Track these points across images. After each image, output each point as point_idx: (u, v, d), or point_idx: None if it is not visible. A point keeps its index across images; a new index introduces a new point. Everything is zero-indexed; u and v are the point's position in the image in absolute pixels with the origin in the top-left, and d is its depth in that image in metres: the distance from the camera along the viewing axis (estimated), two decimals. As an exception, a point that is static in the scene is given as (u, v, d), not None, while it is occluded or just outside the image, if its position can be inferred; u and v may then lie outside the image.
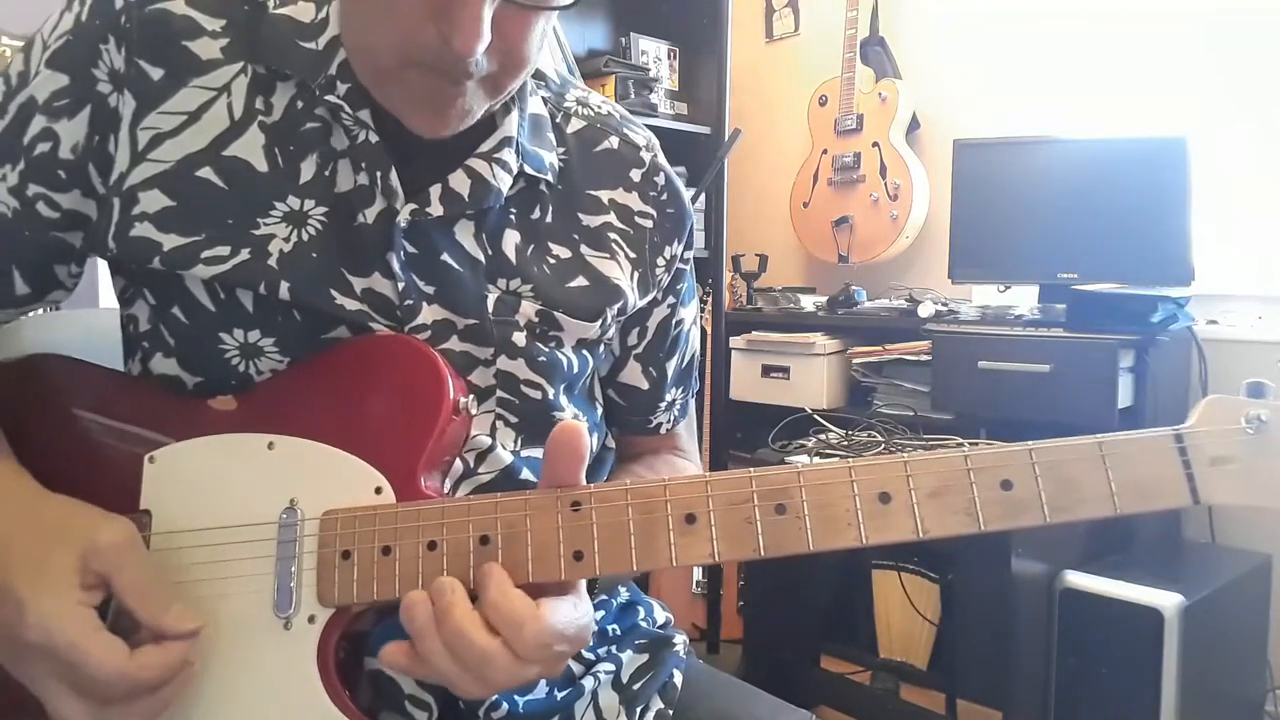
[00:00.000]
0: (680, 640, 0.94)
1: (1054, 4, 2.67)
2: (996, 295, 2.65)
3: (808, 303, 2.88)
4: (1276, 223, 2.33)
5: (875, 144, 2.88)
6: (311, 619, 0.67)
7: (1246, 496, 0.60)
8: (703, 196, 2.87)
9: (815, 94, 3.03)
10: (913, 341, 2.46)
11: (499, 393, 0.80)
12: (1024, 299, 2.50)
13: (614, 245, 0.87)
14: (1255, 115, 2.34)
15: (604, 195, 0.88)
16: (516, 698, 0.81)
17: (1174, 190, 2.20)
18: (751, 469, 0.64)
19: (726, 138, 2.60)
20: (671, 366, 0.97)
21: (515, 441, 0.81)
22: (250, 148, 0.75)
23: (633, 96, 3.24)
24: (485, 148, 0.78)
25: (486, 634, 0.62)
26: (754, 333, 2.85)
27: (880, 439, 2.20)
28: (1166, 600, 1.80)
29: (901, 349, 2.50)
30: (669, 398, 0.98)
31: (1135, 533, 2.11)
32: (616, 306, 0.85)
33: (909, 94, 2.88)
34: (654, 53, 3.46)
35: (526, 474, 0.80)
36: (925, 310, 2.51)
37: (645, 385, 0.95)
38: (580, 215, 0.86)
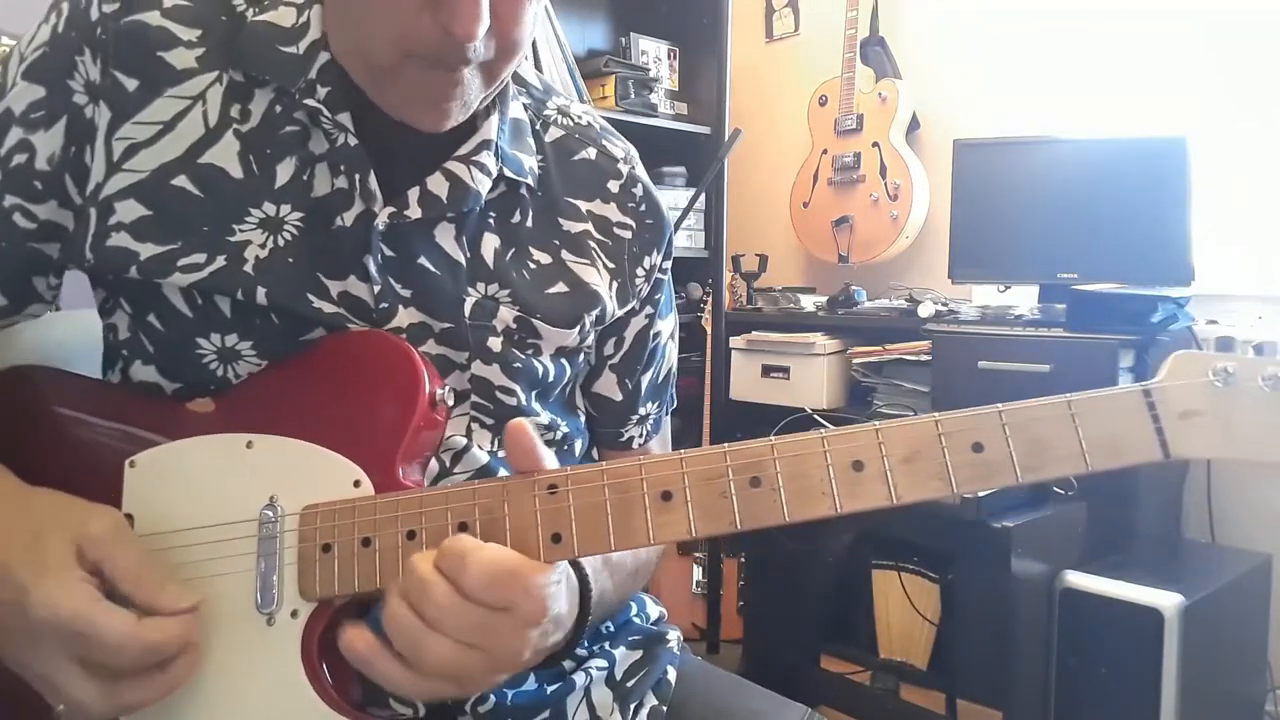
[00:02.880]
0: (674, 636, 0.94)
1: (1054, 4, 2.66)
2: (996, 295, 2.65)
3: (808, 303, 2.88)
4: (1276, 223, 2.32)
5: (875, 144, 2.88)
6: (294, 614, 0.68)
7: (1216, 449, 0.60)
8: (703, 196, 2.87)
9: (815, 94, 3.03)
10: (913, 341, 2.45)
11: (474, 397, 0.80)
12: (1024, 299, 2.49)
13: (593, 254, 0.87)
14: (1255, 115, 2.33)
15: (582, 206, 0.87)
16: (505, 689, 0.80)
17: (1174, 190, 2.20)
18: (726, 444, 0.64)
19: (726, 138, 2.61)
20: (647, 380, 0.96)
21: (492, 442, 0.81)
22: (225, 155, 0.75)
23: (633, 96, 3.23)
24: (463, 150, 0.78)
25: (431, 567, 0.61)
26: (754, 333, 2.84)
27: (879, 439, 2.19)
28: (1166, 600, 1.79)
29: (901, 349, 2.50)
30: (642, 411, 0.96)
31: (1135, 533, 2.10)
32: (595, 313, 0.85)
33: (909, 94, 2.88)
34: (654, 53, 3.46)
35: (504, 473, 0.80)
36: (925, 310, 2.51)
37: (619, 397, 0.94)
38: (560, 221, 0.86)
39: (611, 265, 0.88)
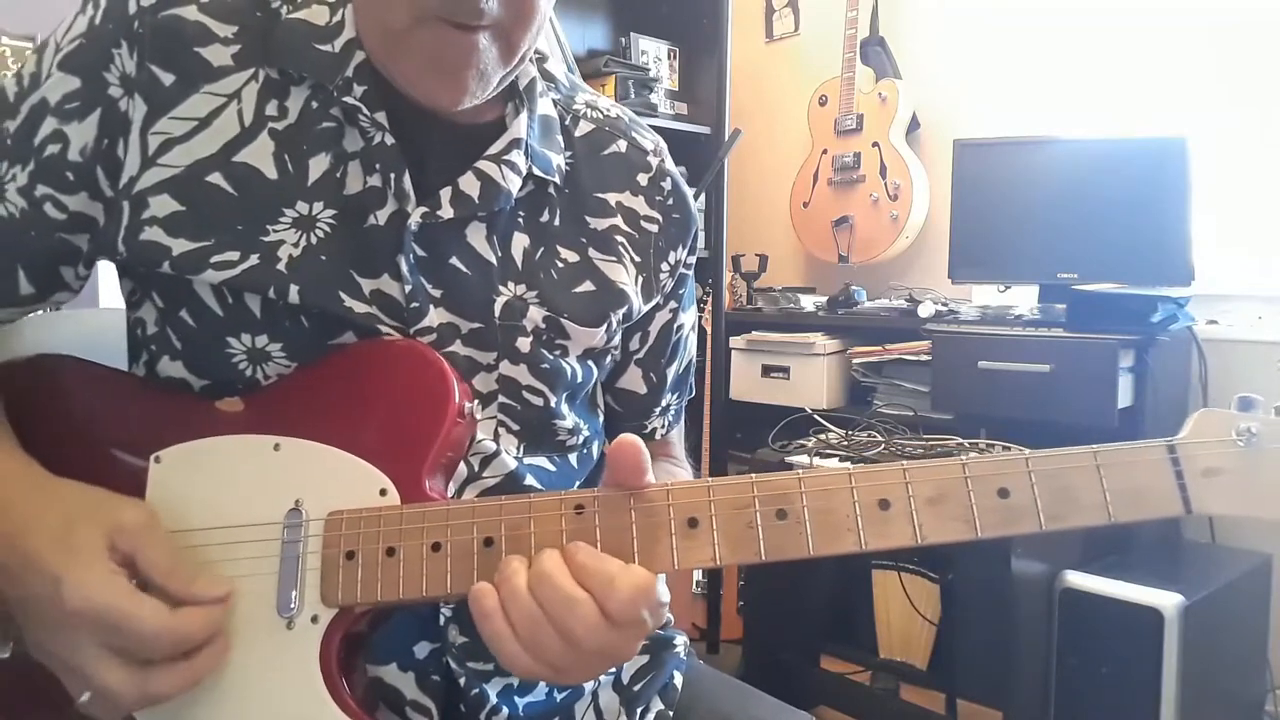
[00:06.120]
0: (681, 641, 0.94)
1: (1054, 4, 2.67)
2: (996, 295, 2.65)
3: (808, 303, 2.89)
4: (1276, 223, 2.33)
5: (875, 144, 2.88)
6: (314, 619, 0.68)
7: (1237, 506, 0.62)
8: (703, 196, 2.87)
9: (815, 94, 3.03)
10: (913, 341, 2.46)
11: (500, 398, 0.80)
12: (1024, 299, 2.50)
13: (620, 248, 0.87)
14: (1255, 115, 2.34)
15: (611, 198, 0.87)
16: (517, 699, 0.81)
17: (1174, 190, 2.20)
18: (753, 474, 0.65)
19: (726, 138, 2.61)
20: (671, 372, 0.97)
21: (517, 449, 0.82)
22: (260, 155, 0.75)
23: (633, 96, 3.24)
24: (494, 150, 0.79)
25: (574, 584, 0.62)
26: (754, 333, 2.85)
27: (880, 439, 2.20)
28: (1166, 600, 1.80)
29: (901, 349, 2.51)
30: (665, 402, 0.98)
31: (1135, 533, 2.11)
32: (621, 312, 0.85)
33: (909, 94, 2.88)
34: (654, 53, 3.46)
35: (530, 480, 0.80)
36: (925, 310, 2.52)
37: (643, 390, 0.95)
38: (587, 219, 0.86)
39: (638, 259, 0.88)
